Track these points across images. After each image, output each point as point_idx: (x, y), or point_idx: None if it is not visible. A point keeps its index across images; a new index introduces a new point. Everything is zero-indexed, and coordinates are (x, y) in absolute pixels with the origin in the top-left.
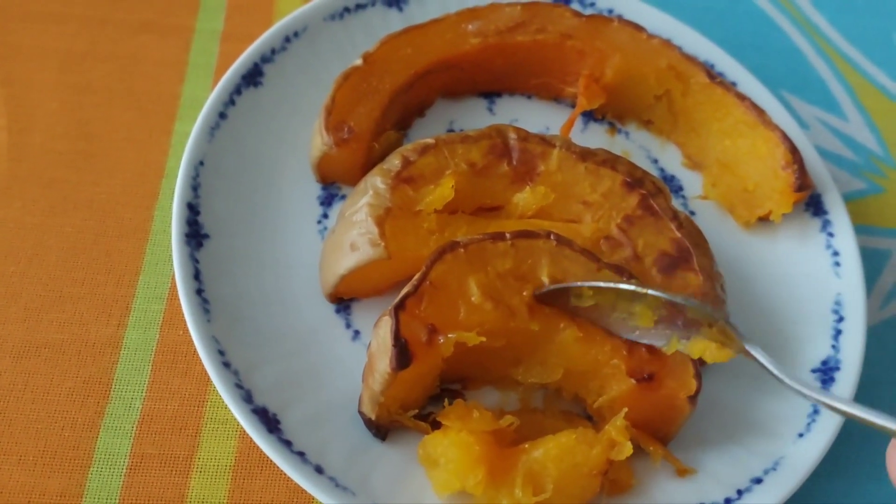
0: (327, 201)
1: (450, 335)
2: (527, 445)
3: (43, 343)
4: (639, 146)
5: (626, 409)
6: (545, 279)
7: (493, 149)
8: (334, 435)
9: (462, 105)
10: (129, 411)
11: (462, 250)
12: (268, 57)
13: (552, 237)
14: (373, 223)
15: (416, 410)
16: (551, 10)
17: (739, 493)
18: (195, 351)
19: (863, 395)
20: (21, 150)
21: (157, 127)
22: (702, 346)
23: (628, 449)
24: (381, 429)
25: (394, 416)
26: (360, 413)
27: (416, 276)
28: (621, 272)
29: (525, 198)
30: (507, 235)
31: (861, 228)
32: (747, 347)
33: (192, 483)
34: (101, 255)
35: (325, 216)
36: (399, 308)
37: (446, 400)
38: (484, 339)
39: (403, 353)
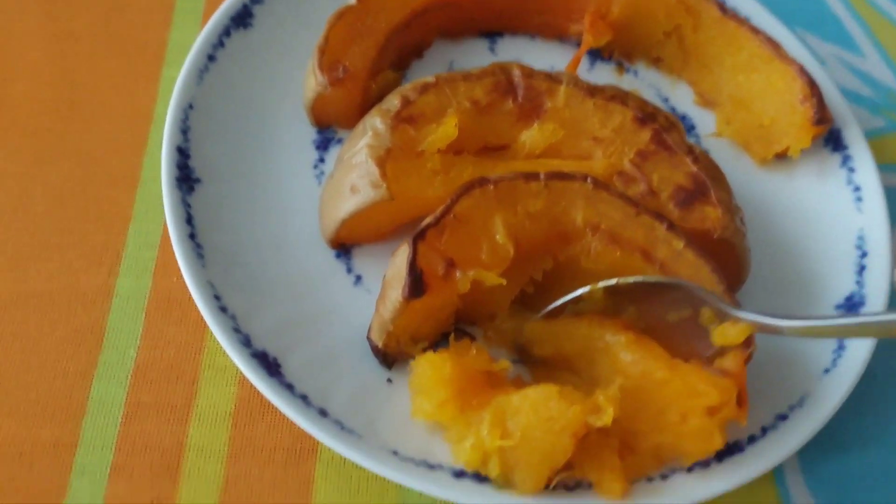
0: (323, 145)
1: (468, 272)
2: (510, 391)
3: (32, 293)
4: (648, 85)
5: (620, 380)
6: (579, 222)
7: (496, 86)
8: (338, 378)
9: (462, 46)
10: (123, 360)
11: (492, 186)
12: None
13: (589, 180)
14: (373, 164)
15: (426, 344)
16: None
17: (764, 430)
18: (190, 299)
19: None
20: (4, 100)
21: (144, 73)
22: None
23: (607, 417)
24: (388, 357)
25: (402, 346)
26: (369, 339)
27: (440, 209)
28: (661, 219)
29: (532, 135)
30: (541, 175)
31: (881, 167)
32: (742, 316)
33: (191, 431)
34: (89, 204)
35: (322, 160)
36: (419, 237)
37: (452, 335)
38: (503, 281)
39: (417, 284)
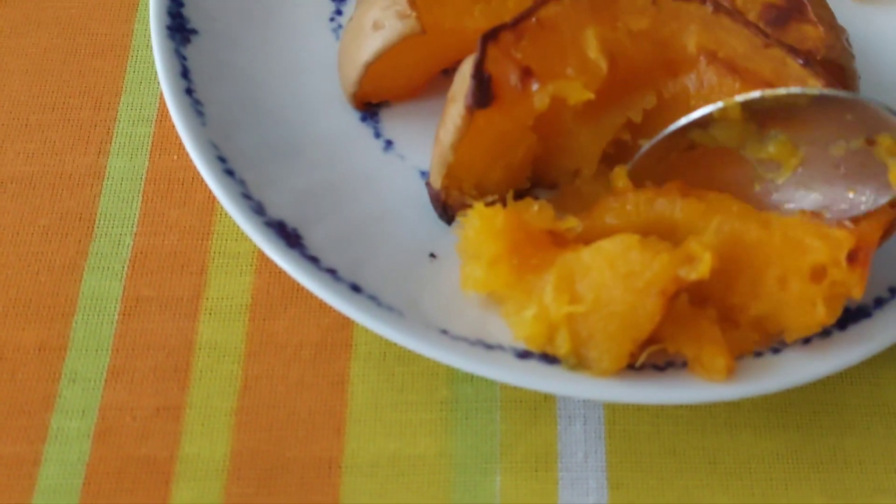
0: None
1: (548, 84)
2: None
3: (9, 177)
4: None
5: (718, 221)
6: (692, 48)
7: None
8: (372, 253)
9: None
10: (117, 249)
11: None
12: None
13: (708, 2)
14: None
15: (494, 199)
16: None
17: (893, 290)
18: (194, 177)
19: None
20: None
21: None
22: None
23: (704, 267)
24: (448, 209)
25: (466, 193)
26: (427, 185)
27: (520, 12)
28: (796, 53)
29: None
30: None
31: None
32: None
33: (201, 328)
34: (73, 77)
35: (339, 13)
36: (490, 37)
37: (511, 192)
38: (592, 95)
39: (484, 90)
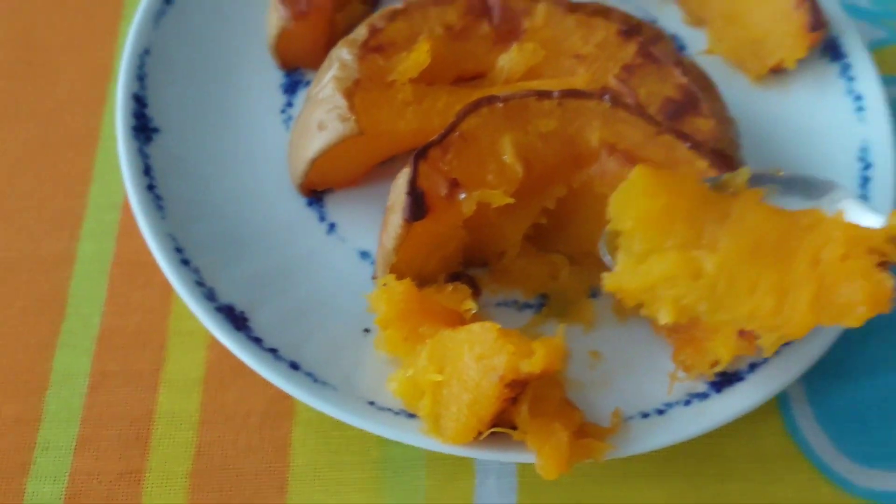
0: (291, 89)
1: (473, 192)
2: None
3: None
4: (635, 7)
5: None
6: (595, 143)
7: (470, 8)
8: (312, 331)
9: None
10: (87, 328)
11: (500, 105)
12: None
13: (606, 98)
14: (341, 97)
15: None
16: None
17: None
18: (155, 261)
19: None
20: None
21: (101, 30)
22: None
23: (536, 365)
24: None
25: None
26: (374, 280)
27: (446, 127)
28: (684, 138)
29: (511, 58)
30: (555, 93)
31: (885, 79)
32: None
33: (160, 398)
34: (47, 167)
35: (290, 105)
36: (420, 156)
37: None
38: (511, 200)
39: (418, 204)
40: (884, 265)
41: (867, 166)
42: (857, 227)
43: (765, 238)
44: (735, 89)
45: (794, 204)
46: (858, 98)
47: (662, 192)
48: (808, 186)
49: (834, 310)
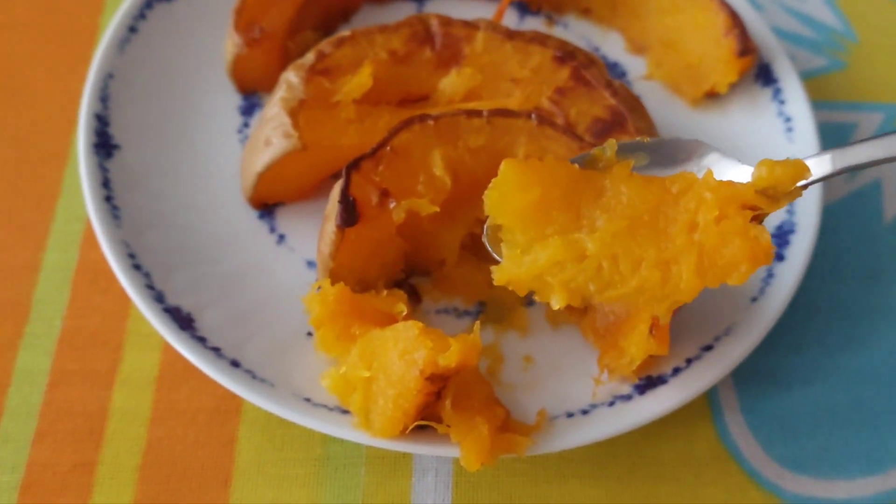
0: (248, 111)
1: (403, 201)
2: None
3: None
4: (579, 36)
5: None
6: (521, 157)
7: (414, 36)
8: (255, 333)
9: (390, 9)
10: (49, 330)
11: (432, 122)
12: None
13: (533, 117)
14: (285, 115)
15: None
16: None
17: (689, 361)
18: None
19: (826, 262)
20: None
21: (76, 58)
22: None
23: (450, 359)
24: None
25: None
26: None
27: (378, 142)
28: None
29: (451, 81)
30: (484, 112)
31: (825, 104)
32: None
33: (115, 396)
34: (19, 183)
35: (247, 125)
36: (353, 167)
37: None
38: (437, 208)
39: (349, 211)
40: (758, 218)
41: None
42: (726, 184)
43: (640, 209)
44: (674, 113)
45: (666, 172)
46: (788, 119)
47: (534, 184)
48: (677, 149)
49: (718, 271)
